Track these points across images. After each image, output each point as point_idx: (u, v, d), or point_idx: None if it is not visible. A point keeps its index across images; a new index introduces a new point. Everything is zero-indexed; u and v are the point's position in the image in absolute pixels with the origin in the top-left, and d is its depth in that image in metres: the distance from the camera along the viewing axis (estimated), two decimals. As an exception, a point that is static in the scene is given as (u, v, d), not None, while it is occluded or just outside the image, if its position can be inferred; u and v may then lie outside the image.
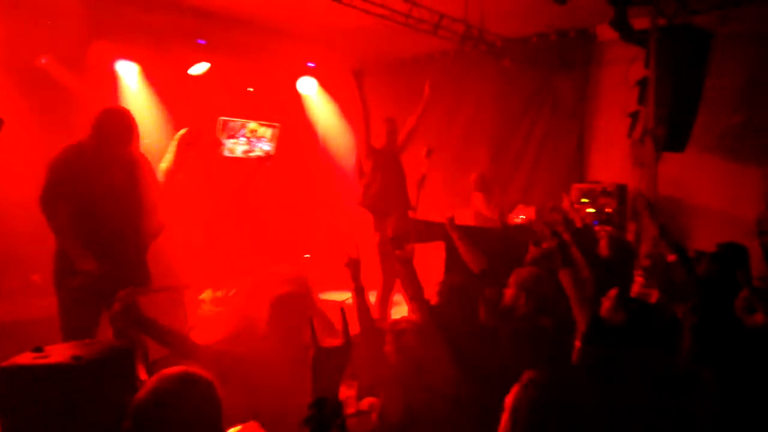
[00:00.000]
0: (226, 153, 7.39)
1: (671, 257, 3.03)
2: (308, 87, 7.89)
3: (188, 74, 6.43)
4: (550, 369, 1.73)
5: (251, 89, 7.42)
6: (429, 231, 4.65)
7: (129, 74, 6.21)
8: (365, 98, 5.17)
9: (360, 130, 5.55)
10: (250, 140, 7.62)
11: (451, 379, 2.28)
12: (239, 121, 7.40)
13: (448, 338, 2.49)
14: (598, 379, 2.25)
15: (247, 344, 2.58)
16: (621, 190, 5.77)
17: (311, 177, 8.38)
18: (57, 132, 4.31)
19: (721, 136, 5.34)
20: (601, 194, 5.76)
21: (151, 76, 6.31)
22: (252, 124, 7.57)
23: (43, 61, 5.48)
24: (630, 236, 5.25)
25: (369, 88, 5.24)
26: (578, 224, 4.41)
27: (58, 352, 2.45)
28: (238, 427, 1.87)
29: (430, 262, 4.41)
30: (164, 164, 5.07)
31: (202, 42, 6.30)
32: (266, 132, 7.76)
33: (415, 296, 2.89)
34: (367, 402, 2.54)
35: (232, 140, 7.42)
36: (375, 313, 3.47)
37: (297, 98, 7.99)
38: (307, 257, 7.79)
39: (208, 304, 5.85)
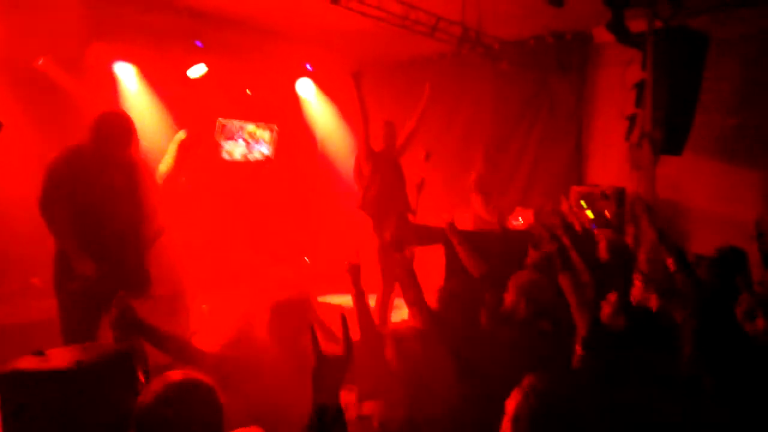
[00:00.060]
0: (225, 155, 7.39)
1: (670, 262, 3.04)
2: (306, 89, 7.89)
3: (186, 76, 6.42)
4: (550, 375, 1.73)
5: (249, 91, 7.42)
6: (429, 235, 4.65)
7: (127, 76, 6.20)
8: (364, 100, 5.17)
9: (359, 133, 5.55)
10: (249, 142, 7.62)
11: (452, 384, 2.29)
12: (237, 123, 7.40)
13: (448, 343, 2.50)
14: (599, 384, 2.26)
15: (248, 350, 2.58)
16: (619, 193, 5.77)
17: (310, 180, 8.38)
18: (55, 134, 4.32)
19: (718, 139, 5.35)
20: (600, 197, 5.76)
21: (149, 78, 6.30)
22: (250, 126, 7.57)
23: (40, 62, 5.47)
24: (628, 239, 5.26)
25: (367, 90, 5.25)
26: (577, 228, 4.42)
27: (59, 356, 2.47)
28: (240, 433, 1.87)
29: (430, 266, 4.41)
30: (163, 167, 5.10)
31: (200, 44, 6.30)
32: (264, 134, 7.76)
33: (415, 301, 2.90)
34: (367, 407, 2.54)
35: (230, 142, 7.42)
36: (375, 317, 3.47)
37: (295, 100, 7.99)
38: (306, 260, 7.80)
39: (209, 309, 5.83)
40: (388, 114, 5.65)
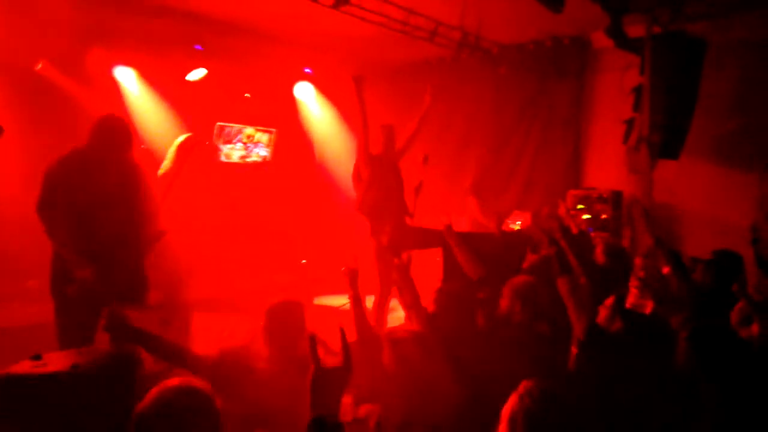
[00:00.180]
0: (223, 158, 7.40)
1: (666, 269, 3.05)
2: (305, 93, 7.90)
3: (185, 80, 6.43)
4: (546, 379, 1.73)
5: (248, 95, 7.43)
6: (426, 238, 4.65)
7: (128, 80, 6.21)
8: (364, 104, 5.16)
9: (359, 137, 5.54)
10: (247, 146, 7.63)
11: (449, 387, 2.29)
12: (236, 126, 7.41)
13: (445, 346, 2.50)
14: (595, 386, 2.27)
15: (245, 355, 2.58)
16: (616, 197, 5.78)
17: (308, 182, 8.39)
18: (55, 138, 4.31)
19: (715, 143, 5.36)
20: (597, 201, 5.77)
21: (148, 81, 6.32)
22: (249, 130, 7.58)
23: (39, 66, 5.48)
24: (625, 242, 5.27)
25: (367, 95, 5.25)
26: (574, 231, 4.43)
27: (57, 360, 2.46)
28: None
29: (428, 270, 4.42)
30: (162, 171, 5.09)
31: (199, 48, 6.31)
32: (263, 137, 7.77)
33: (412, 304, 2.91)
34: (364, 409, 2.54)
35: (228, 145, 7.43)
36: (372, 320, 3.48)
37: (294, 104, 8.00)
38: (304, 263, 7.80)
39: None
40: (385, 118, 5.65)
